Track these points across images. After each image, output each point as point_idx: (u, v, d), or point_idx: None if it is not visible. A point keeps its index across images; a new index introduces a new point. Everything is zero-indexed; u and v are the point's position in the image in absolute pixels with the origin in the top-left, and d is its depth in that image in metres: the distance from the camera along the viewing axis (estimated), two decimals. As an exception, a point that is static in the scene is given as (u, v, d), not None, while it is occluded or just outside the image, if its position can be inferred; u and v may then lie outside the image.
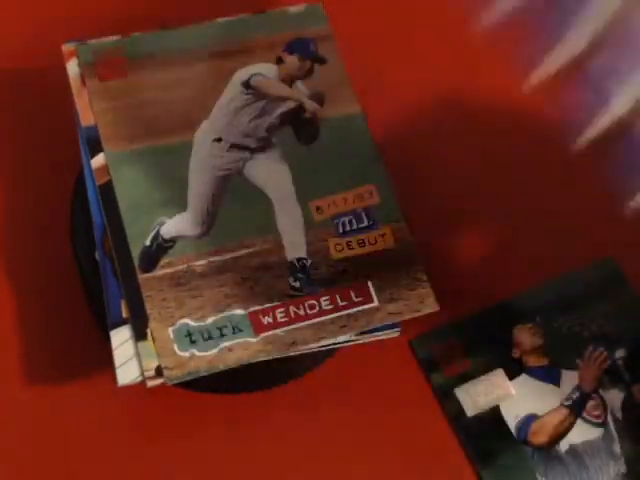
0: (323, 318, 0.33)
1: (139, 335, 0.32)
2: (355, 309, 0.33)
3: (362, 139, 0.35)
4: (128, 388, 0.32)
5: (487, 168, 0.39)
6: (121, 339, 0.32)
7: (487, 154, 0.40)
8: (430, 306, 0.33)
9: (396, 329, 0.33)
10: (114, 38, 0.36)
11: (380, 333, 0.33)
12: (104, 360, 0.32)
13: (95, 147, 0.35)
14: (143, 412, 0.35)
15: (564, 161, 0.40)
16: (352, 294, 0.33)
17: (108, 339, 0.32)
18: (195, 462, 0.35)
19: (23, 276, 0.37)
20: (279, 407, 0.36)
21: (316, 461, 0.35)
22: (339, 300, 0.33)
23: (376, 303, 0.33)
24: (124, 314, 0.32)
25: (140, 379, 0.32)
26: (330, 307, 0.33)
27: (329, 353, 0.34)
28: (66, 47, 0.37)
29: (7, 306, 0.36)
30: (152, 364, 0.32)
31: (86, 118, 0.35)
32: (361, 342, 0.33)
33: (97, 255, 0.33)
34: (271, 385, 0.35)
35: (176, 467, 0.35)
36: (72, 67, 0.36)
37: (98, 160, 0.35)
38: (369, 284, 0.33)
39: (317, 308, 0.33)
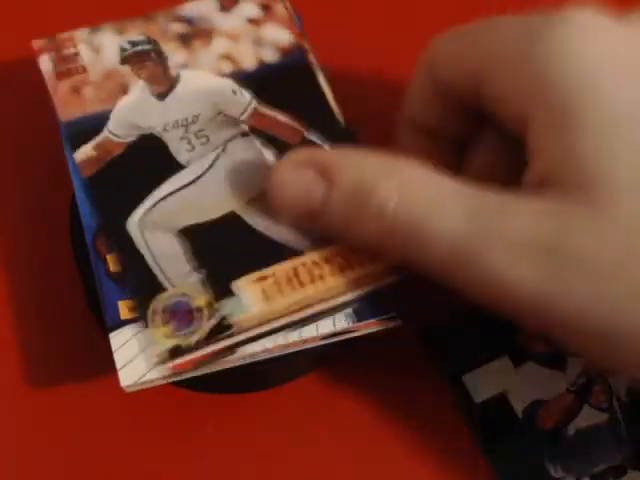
0: None
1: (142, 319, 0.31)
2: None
3: None
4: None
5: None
6: (121, 341, 0.31)
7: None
8: None
9: (393, 315, 0.32)
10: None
11: (376, 319, 0.32)
12: (104, 360, 0.31)
13: (77, 141, 0.33)
14: (142, 412, 0.35)
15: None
16: None
17: (107, 339, 0.32)
18: (195, 462, 0.35)
19: (23, 276, 0.37)
20: (279, 407, 0.35)
21: (317, 460, 0.35)
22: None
23: None
24: (121, 316, 0.31)
25: (144, 379, 0.31)
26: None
27: (330, 350, 0.34)
28: (36, 43, 0.35)
29: (7, 306, 0.36)
30: (162, 348, 0.30)
31: (64, 113, 0.34)
32: (359, 334, 0.33)
33: (90, 258, 0.32)
34: (271, 385, 0.34)
35: (175, 467, 0.34)
36: (44, 62, 0.35)
37: (83, 152, 0.33)
38: None
39: None
